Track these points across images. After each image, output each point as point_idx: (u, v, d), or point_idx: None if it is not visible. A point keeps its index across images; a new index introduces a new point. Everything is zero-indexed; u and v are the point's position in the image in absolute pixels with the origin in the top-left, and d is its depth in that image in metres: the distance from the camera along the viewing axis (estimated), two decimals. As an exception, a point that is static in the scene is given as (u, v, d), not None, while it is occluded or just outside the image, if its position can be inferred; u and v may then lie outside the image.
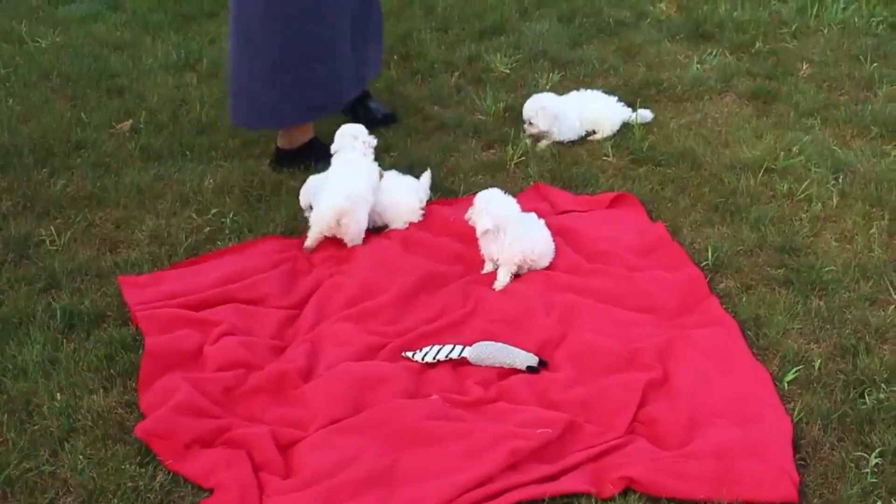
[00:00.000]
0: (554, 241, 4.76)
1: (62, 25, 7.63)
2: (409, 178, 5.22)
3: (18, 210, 5.25)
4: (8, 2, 8.23)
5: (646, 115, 5.97)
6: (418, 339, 4.28)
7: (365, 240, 4.93)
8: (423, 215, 5.11)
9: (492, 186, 5.16)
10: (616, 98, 6.02)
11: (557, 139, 5.81)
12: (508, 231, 4.56)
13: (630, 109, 5.94)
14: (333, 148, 5.20)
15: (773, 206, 5.15)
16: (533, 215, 4.73)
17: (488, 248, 4.65)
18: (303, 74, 5.38)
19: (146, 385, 4.00)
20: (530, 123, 5.80)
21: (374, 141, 5.25)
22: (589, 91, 6.02)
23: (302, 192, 5.09)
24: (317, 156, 5.49)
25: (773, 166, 5.46)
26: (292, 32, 5.29)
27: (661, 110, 6.17)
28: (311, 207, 5.00)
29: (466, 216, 4.64)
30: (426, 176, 5.27)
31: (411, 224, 5.05)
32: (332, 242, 4.92)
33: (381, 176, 5.15)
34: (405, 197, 5.11)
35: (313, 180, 5.10)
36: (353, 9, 5.55)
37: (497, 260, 4.64)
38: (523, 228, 4.62)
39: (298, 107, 5.47)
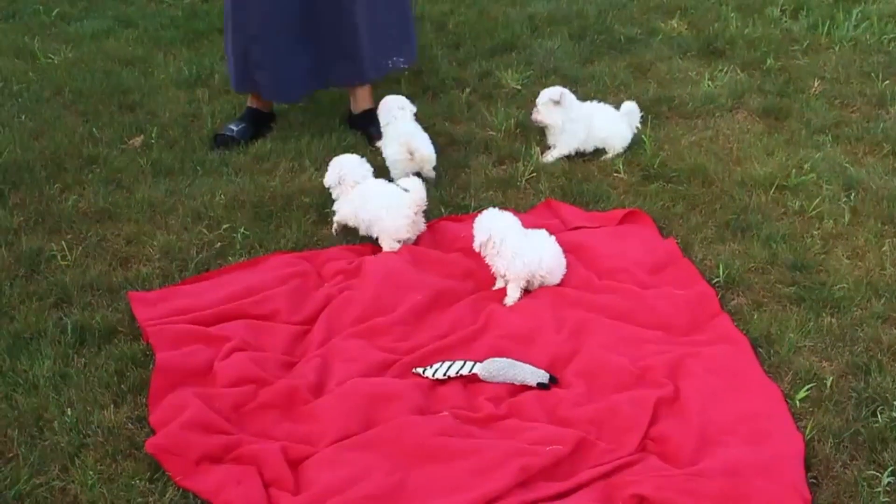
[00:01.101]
0: (565, 257, 4.74)
1: (74, 41, 7.65)
2: (398, 191, 5.05)
3: (30, 225, 5.25)
4: (20, 18, 8.25)
5: (633, 108, 5.96)
6: (429, 356, 4.27)
7: (374, 255, 4.92)
8: (416, 229, 5.06)
9: (503, 203, 5.26)
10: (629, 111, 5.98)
11: (563, 148, 5.82)
12: (508, 244, 4.55)
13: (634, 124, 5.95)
14: (383, 121, 5.72)
15: (784, 224, 5.14)
16: (543, 231, 4.72)
17: (494, 264, 4.64)
18: (238, 52, 5.94)
19: (156, 401, 3.99)
20: (537, 111, 5.83)
21: (415, 108, 5.81)
22: (601, 104, 5.98)
23: (331, 167, 5.21)
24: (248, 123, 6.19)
25: (784, 183, 5.46)
26: (228, 13, 5.92)
27: (673, 127, 6.17)
28: (339, 182, 5.12)
29: (475, 247, 4.65)
30: (416, 186, 5.01)
31: (420, 239, 5.05)
32: (342, 257, 4.93)
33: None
34: (392, 211, 4.98)
35: (342, 158, 5.22)
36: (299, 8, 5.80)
37: (505, 276, 4.63)
38: (527, 242, 4.60)
39: (236, 77, 6.08)
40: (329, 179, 5.15)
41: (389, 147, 5.56)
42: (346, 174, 5.12)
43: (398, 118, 5.66)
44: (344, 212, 5.12)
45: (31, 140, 6.08)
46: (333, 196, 5.20)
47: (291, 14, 5.77)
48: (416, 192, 4.97)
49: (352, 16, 5.85)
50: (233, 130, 6.11)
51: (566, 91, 5.81)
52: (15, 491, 3.62)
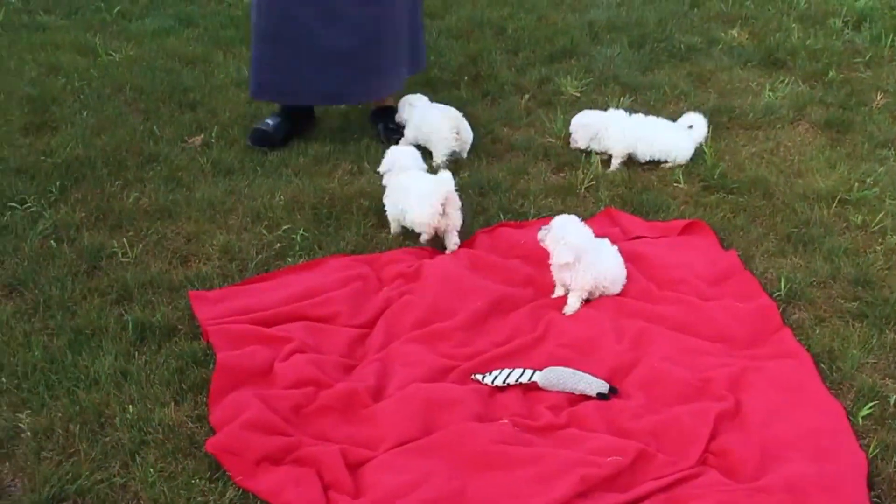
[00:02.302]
0: (625, 267, 4.72)
1: (135, 39, 7.72)
2: (428, 182, 5.11)
3: (92, 222, 5.29)
4: (83, 15, 8.33)
5: (699, 121, 5.95)
6: (488, 363, 4.26)
7: (434, 259, 4.92)
8: (449, 221, 5.04)
9: (562, 210, 5.24)
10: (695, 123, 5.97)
11: (619, 153, 5.81)
12: (583, 259, 4.53)
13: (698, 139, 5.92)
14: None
15: (846, 238, 5.10)
16: (606, 241, 4.70)
17: (561, 275, 4.62)
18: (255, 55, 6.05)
19: (217, 400, 4.01)
20: (574, 139, 5.86)
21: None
22: (654, 118, 5.96)
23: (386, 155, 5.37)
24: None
25: (846, 197, 5.41)
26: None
27: (733, 138, 6.13)
28: (389, 170, 5.28)
29: (540, 236, 4.61)
30: (444, 178, 5.03)
31: (479, 244, 5.04)
32: (402, 260, 4.94)
33: None
34: (421, 201, 5.02)
35: (396, 147, 5.49)
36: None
37: (569, 285, 4.61)
38: (596, 256, 4.58)
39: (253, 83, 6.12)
40: (383, 167, 5.32)
41: (439, 124, 5.85)
42: (395, 162, 5.26)
43: (419, 107, 6.03)
44: (389, 205, 5.24)
45: (92, 137, 6.12)
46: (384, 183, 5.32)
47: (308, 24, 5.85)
48: (443, 184, 5.00)
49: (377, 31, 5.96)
50: (269, 125, 6.17)
51: (585, 123, 5.93)
52: (77, 486, 3.64)
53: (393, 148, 5.39)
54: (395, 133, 6.13)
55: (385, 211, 5.24)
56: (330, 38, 5.80)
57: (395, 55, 6.09)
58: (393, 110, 6.23)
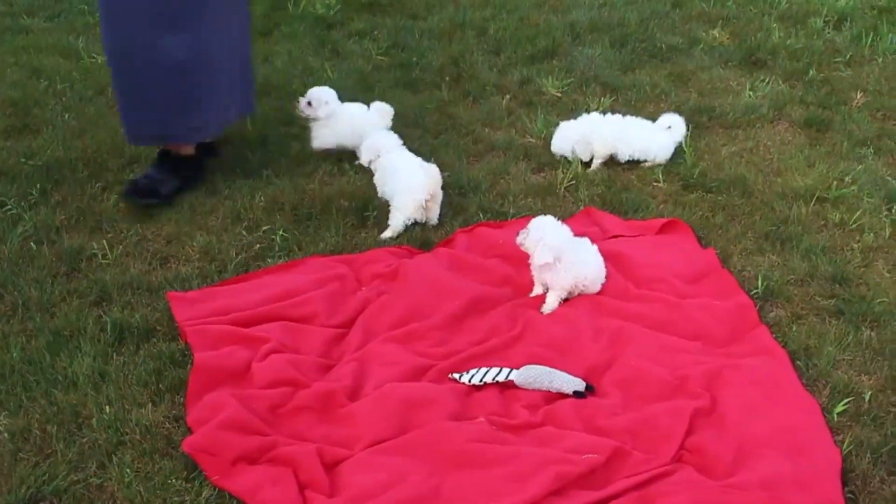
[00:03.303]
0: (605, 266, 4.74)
1: (118, 41, 7.69)
2: (417, 173, 5.26)
3: (72, 224, 5.29)
4: (66, 18, 8.32)
5: (677, 121, 5.97)
6: (465, 362, 4.27)
7: (412, 259, 4.93)
8: (429, 212, 5.26)
9: (542, 210, 5.26)
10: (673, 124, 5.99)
11: (602, 154, 5.82)
12: (563, 259, 4.55)
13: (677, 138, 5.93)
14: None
15: (824, 236, 5.12)
16: (586, 240, 4.71)
17: (541, 275, 4.63)
18: None
19: (194, 400, 4.01)
20: (574, 153, 5.81)
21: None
22: (631, 117, 5.98)
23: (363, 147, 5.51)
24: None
25: (825, 195, 5.44)
26: None
27: (713, 137, 6.15)
28: (377, 157, 5.42)
29: (519, 241, 4.62)
30: (432, 172, 5.24)
31: (458, 244, 5.05)
32: (381, 260, 4.94)
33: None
34: (408, 192, 5.20)
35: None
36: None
37: (549, 284, 4.63)
38: (576, 255, 4.60)
39: None
40: (365, 157, 5.47)
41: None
42: (377, 149, 5.45)
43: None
44: (379, 184, 5.42)
45: (73, 139, 6.12)
46: (373, 169, 5.48)
47: None
48: (431, 178, 5.21)
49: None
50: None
51: (577, 138, 5.87)
52: (53, 487, 3.65)
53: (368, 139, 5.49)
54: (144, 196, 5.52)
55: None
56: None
57: (216, 94, 5.55)
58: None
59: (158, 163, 5.66)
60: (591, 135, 5.79)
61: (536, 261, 4.56)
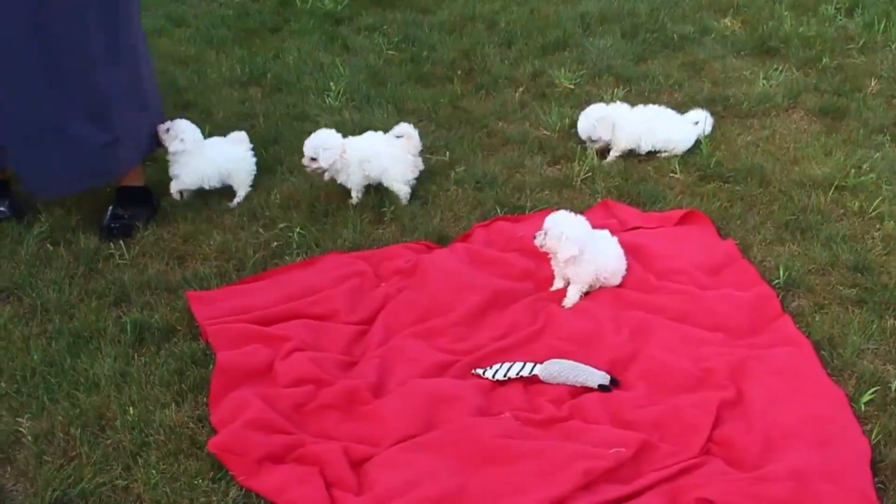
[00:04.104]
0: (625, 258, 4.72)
1: (127, 40, 7.66)
2: (395, 141, 5.41)
3: (87, 224, 5.27)
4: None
5: (704, 117, 5.96)
6: (488, 357, 4.26)
7: (431, 255, 4.92)
8: (418, 169, 5.47)
9: (558, 203, 5.24)
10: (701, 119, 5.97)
11: (622, 148, 5.79)
12: (584, 252, 4.53)
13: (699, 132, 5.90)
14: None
15: (844, 224, 5.09)
16: (606, 233, 4.69)
17: (563, 269, 4.60)
18: None
19: (217, 400, 4.00)
20: (591, 140, 5.77)
21: None
22: (656, 107, 5.96)
23: (320, 151, 5.34)
24: None
25: (843, 183, 5.41)
26: None
27: (728, 126, 6.12)
28: (312, 159, 5.33)
29: (538, 242, 4.58)
30: (409, 131, 5.40)
31: (476, 239, 5.03)
32: (399, 256, 4.93)
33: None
34: (395, 159, 5.38)
35: (321, 138, 5.37)
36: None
37: (570, 278, 4.60)
38: (596, 248, 4.58)
39: None
40: (324, 162, 5.33)
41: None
42: (336, 148, 5.34)
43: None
44: (358, 178, 5.42)
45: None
46: (333, 174, 5.43)
47: None
48: (412, 137, 5.39)
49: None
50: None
51: (602, 116, 5.81)
52: (79, 489, 3.64)
53: (315, 144, 5.34)
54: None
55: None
56: None
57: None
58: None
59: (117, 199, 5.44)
60: (617, 120, 5.76)
61: (563, 256, 4.52)
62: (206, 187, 5.49)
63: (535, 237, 4.59)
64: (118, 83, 5.07)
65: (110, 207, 5.35)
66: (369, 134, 5.53)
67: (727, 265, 4.79)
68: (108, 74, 5.01)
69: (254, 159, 5.58)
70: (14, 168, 5.22)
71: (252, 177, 5.56)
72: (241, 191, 5.52)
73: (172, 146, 5.42)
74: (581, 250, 4.50)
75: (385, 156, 5.38)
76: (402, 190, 5.41)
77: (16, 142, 4.99)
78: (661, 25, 7.54)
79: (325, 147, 5.33)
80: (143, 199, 5.44)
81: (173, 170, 5.49)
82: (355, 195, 5.44)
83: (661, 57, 7.14)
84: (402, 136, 5.42)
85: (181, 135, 5.42)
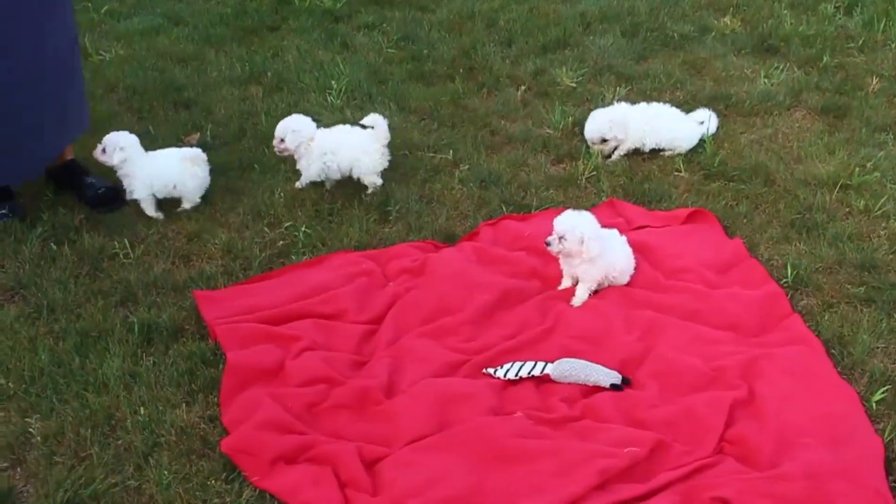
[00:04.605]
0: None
1: (125, 38, 7.63)
2: (364, 132, 5.43)
3: (90, 224, 5.25)
4: (70, 15, 8.25)
5: (710, 117, 5.96)
6: (498, 356, 4.25)
7: (438, 254, 4.91)
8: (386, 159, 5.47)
9: (564, 202, 5.23)
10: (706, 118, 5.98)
11: (628, 147, 5.79)
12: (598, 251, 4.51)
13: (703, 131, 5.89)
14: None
15: (850, 223, 5.09)
16: (615, 231, 4.69)
17: (571, 266, 4.59)
18: None
19: (228, 400, 3.98)
20: (603, 141, 5.76)
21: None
22: (661, 105, 5.96)
23: (286, 133, 5.45)
24: None
25: (848, 182, 5.41)
26: None
27: (731, 125, 6.11)
28: (298, 144, 5.42)
29: (554, 250, 4.55)
30: (379, 122, 5.40)
31: (483, 237, 5.01)
32: (406, 255, 4.92)
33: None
34: (365, 150, 5.40)
35: (292, 122, 5.47)
36: None
37: (578, 277, 4.59)
38: (605, 246, 4.56)
39: None
40: (290, 144, 5.42)
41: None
42: (304, 133, 5.43)
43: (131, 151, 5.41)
44: (315, 169, 5.45)
45: (86, 138, 6.02)
46: (296, 157, 5.49)
47: None
48: (381, 128, 5.40)
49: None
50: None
51: (612, 119, 5.80)
52: (91, 490, 3.62)
53: (286, 125, 5.45)
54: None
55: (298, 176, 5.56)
56: None
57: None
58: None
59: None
60: (626, 121, 5.76)
61: (588, 255, 4.50)
62: (158, 196, 5.41)
63: (548, 244, 4.55)
64: None
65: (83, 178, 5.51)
66: (339, 127, 5.56)
67: (735, 264, 4.79)
68: None
69: (204, 177, 5.44)
70: None
71: (199, 193, 5.43)
72: (186, 204, 5.43)
73: (115, 158, 5.38)
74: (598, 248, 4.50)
75: (355, 147, 5.42)
76: (373, 180, 5.45)
77: None
78: (661, 24, 7.54)
79: (293, 129, 5.44)
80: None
81: (124, 183, 5.42)
82: (303, 183, 5.54)
83: (662, 56, 7.13)
84: (370, 127, 5.44)
85: (118, 145, 5.38)
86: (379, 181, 5.46)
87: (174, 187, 5.38)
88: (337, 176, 5.47)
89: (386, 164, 5.47)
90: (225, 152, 5.93)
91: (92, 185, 5.49)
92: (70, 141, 5.61)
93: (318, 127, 5.51)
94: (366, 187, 5.46)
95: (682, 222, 5.11)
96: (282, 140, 5.45)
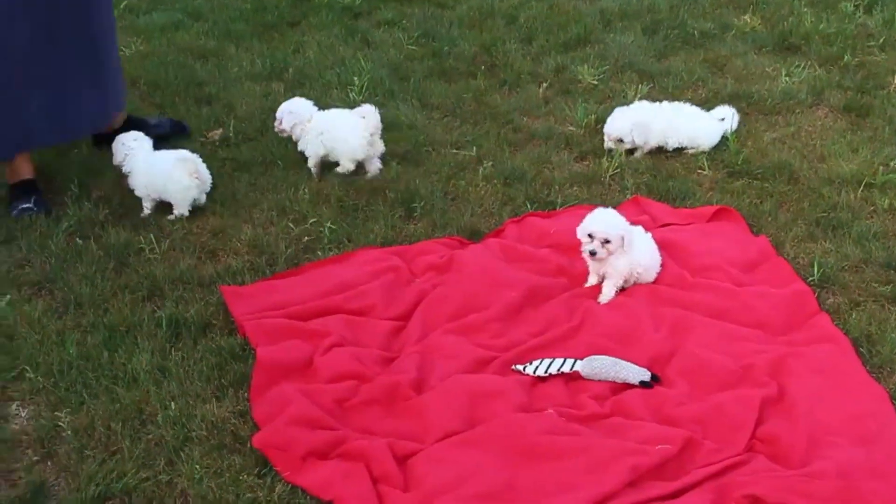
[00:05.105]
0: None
1: (144, 34, 7.64)
2: (355, 119, 5.57)
3: (115, 219, 5.27)
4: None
5: (731, 114, 5.96)
6: (527, 353, 4.25)
7: (465, 250, 4.92)
8: (375, 150, 5.61)
9: (588, 198, 5.21)
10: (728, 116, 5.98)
11: (649, 146, 5.79)
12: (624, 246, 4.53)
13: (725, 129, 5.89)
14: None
15: (875, 222, 5.10)
16: (640, 228, 4.68)
17: (598, 264, 4.58)
18: None
19: (258, 395, 3.99)
20: (621, 140, 5.76)
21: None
22: (681, 104, 5.96)
23: (284, 114, 5.69)
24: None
25: (872, 181, 5.40)
26: None
27: (753, 123, 6.11)
28: (296, 124, 5.65)
29: (600, 255, 4.51)
30: (370, 112, 5.54)
31: (509, 234, 5.02)
32: (433, 251, 4.92)
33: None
34: (351, 135, 5.53)
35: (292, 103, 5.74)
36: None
37: (603, 273, 4.59)
38: (632, 242, 4.56)
39: None
40: (286, 125, 5.65)
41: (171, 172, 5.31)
42: (300, 115, 5.65)
43: (135, 150, 5.44)
44: (312, 149, 5.63)
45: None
46: (294, 139, 5.69)
47: None
48: (371, 118, 5.52)
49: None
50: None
51: (636, 121, 5.79)
52: (122, 484, 3.63)
53: (286, 106, 5.70)
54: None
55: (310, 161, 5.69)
56: None
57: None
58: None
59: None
60: (648, 120, 5.76)
61: (612, 245, 4.49)
62: (154, 198, 5.39)
63: (593, 252, 4.52)
64: None
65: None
66: (335, 111, 5.76)
67: (762, 262, 4.79)
68: None
69: (193, 186, 5.30)
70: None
71: (188, 201, 5.32)
72: (176, 210, 5.35)
73: (118, 157, 5.46)
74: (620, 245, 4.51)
75: (341, 131, 5.56)
76: (347, 166, 5.61)
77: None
78: (681, 22, 7.52)
79: (290, 111, 5.66)
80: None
81: (128, 182, 5.45)
82: (311, 164, 5.68)
83: (683, 53, 7.13)
84: (364, 117, 5.56)
85: (129, 141, 5.46)
86: (351, 167, 5.61)
87: (164, 192, 5.33)
88: (323, 154, 5.67)
89: (370, 154, 5.60)
90: (248, 148, 5.95)
91: (157, 125, 5.91)
92: (116, 111, 5.81)
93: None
94: (388, 192, 5.45)
95: (707, 220, 5.11)
96: (280, 121, 5.67)
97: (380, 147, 5.64)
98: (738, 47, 7.17)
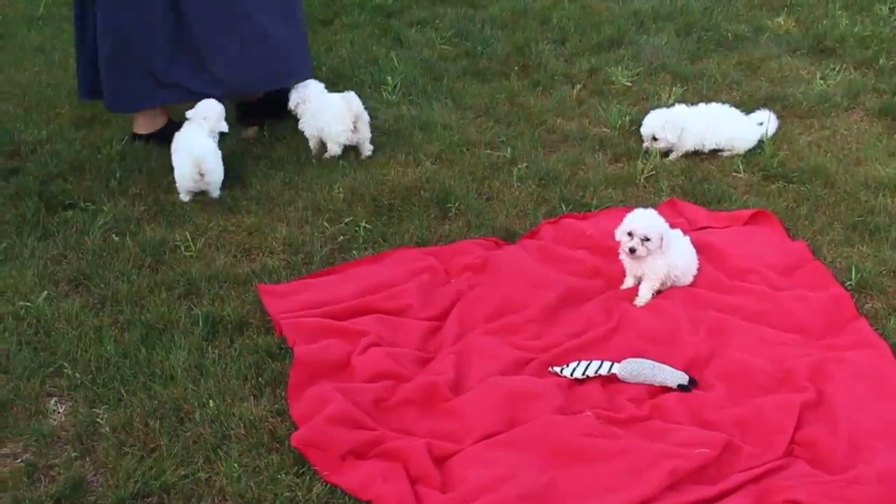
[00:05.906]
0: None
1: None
2: (341, 104, 5.80)
3: (151, 216, 5.29)
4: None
5: (770, 118, 5.94)
6: (564, 355, 4.23)
7: (501, 251, 4.92)
8: (360, 136, 5.84)
9: (623, 201, 5.19)
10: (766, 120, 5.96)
11: (684, 149, 5.76)
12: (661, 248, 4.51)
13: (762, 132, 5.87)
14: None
15: (913, 227, 5.06)
16: (678, 231, 4.66)
17: (635, 265, 4.57)
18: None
19: (296, 394, 3.99)
20: (655, 139, 5.74)
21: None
22: (719, 105, 5.94)
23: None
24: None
25: (909, 186, 5.37)
26: None
27: (788, 126, 6.08)
28: (302, 102, 5.92)
29: (642, 252, 4.47)
30: (351, 98, 5.79)
31: (544, 236, 5.01)
32: (469, 251, 4.92)
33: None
34: (335, 120, 5.77)
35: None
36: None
37: (640, 275, 4.58)
38: (669, 245, 4.54)
39: None
40: (291, 103, 5.92)
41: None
42: (304, 93, 5.91)
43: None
44: (310, 128, 5.92)
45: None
46: (297, 116, 5.93)
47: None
48: (351, 106, 5.75)
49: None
50: None
51: (669, 119, 5.79)
52: (161, 482, 3.63)
53: (298, 87, 5.95)
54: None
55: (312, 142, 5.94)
56: None
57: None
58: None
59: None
60: (684, 124, 5.74)
61: (652, 244, 4.48)
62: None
63: (632, 250, 4.50)
64: None
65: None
66: (328, 95, 5.94)
67: (799, 266, 4.76)
68: None
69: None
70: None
71: (179, 183, 5.47)
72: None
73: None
74: (658, 247, 4.50)
75: (326, 115, 5.80)
76: (332, 148, 5.85)
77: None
78: (714, 24, 7.51)
79: (297, 87, 5.96)
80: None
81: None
82: (311, 144, 5.97)
83: (717, 55, 7.11)
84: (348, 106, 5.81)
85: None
86: (338, 151, 5.85)
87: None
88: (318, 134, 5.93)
89: (356, 140, 5.84)
90: (282, 146, 5.96)
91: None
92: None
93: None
94: (423, 192, 5.45)
95: (743, 223, 5.08)
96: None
97: (366, 133, 5.85)
98: (773, 50, 7.15)
